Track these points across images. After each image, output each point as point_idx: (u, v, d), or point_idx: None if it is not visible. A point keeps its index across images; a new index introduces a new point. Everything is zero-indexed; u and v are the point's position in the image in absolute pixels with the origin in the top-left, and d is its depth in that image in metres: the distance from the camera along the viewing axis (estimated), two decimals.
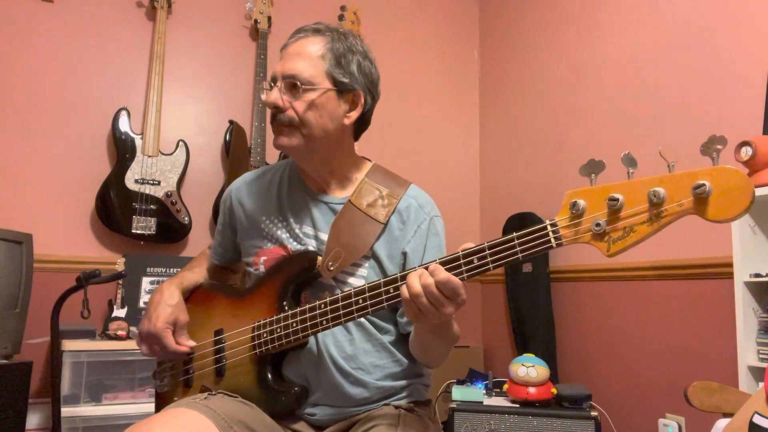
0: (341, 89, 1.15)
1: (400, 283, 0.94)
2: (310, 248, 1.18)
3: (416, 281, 0.90)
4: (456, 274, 0.89)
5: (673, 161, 0.78)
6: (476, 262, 0.89)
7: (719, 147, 0.76)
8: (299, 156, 1.19)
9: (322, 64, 1.13)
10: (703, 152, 0.78)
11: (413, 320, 0.96)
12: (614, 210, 0.80)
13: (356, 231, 1.14)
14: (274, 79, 1.14)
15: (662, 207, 0.77)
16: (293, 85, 1.12)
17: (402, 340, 1.18)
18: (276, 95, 1.13)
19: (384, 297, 0.97)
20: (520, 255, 0.87)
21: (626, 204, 0.79)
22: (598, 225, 0.81)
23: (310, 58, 1.13)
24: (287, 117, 1.13)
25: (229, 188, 1.34)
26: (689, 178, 0.75)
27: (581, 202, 0.82)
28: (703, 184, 0.74)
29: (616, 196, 0.79)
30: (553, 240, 0.85)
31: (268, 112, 3.09)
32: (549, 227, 0.85)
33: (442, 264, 0.91)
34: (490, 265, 0.89)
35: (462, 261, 0.90)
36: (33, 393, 2.20)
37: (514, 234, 0.87)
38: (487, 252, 0.89)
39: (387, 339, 1.17)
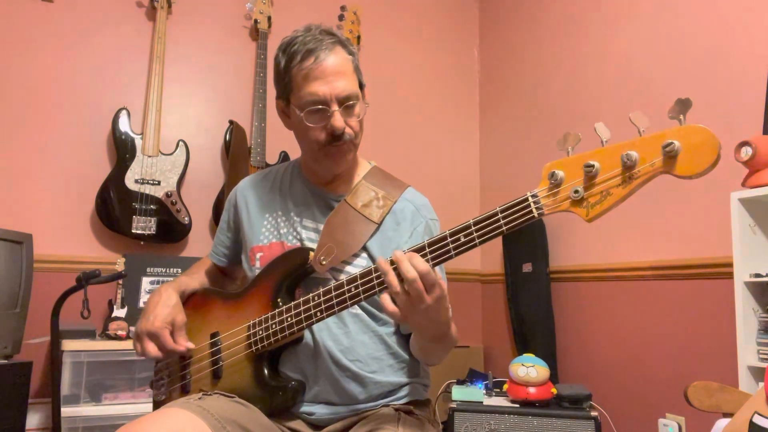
0: (362, 90, 1.18)
1: (392, 266, 0.95)
2: (309, 241, 1.19)
3: (395, 280, 0.91)
4: (444, 252, 0.92)
5: (644, 128, 0.81)
6: (463, 239, 0.91)
7: (685, 110, 0.79)
8: (345, 167, 1.21)
9: (354, 74, 1.16)
10: (671, 116, 0.80)
11: (402, 320, 0.97)
12: (590, 176, 0.83)
13: (350, 229, 1.16)
14: (324, 102, 1.11)
15: (635, 168, 0.80)
16: (348, 105, 1.13)
17: (399, 332, 1.18)
18: (342, 120, 1.12)
19: (376, 282, 0.98)
20: (504, 228, 0.89)
21: (602, 169, 0.83)
22: (576, 192, 0.84)
23: (349, 73, 1.14)
24: (349, 136, 1.14)
25: (235, 187, 1.36)
26: (659, 138, 0.79)
27: (559, 172, 0.86)
28: (672, 143, 0.77)
29: (592, 162, 0.83)
30: (534, 210, 0.87)
31: (269, 112, 3.09)
32: (530, 198, 0.87)
33: (431, 244, 0.93)
34: (476, 240, 0.91)
35: (449, 239, 0.92)
36: (33, 393, 2.21)
37: (498, 208, 0.90)
38: (473, 228, 0.91)
39: (384, 330, 1.17)
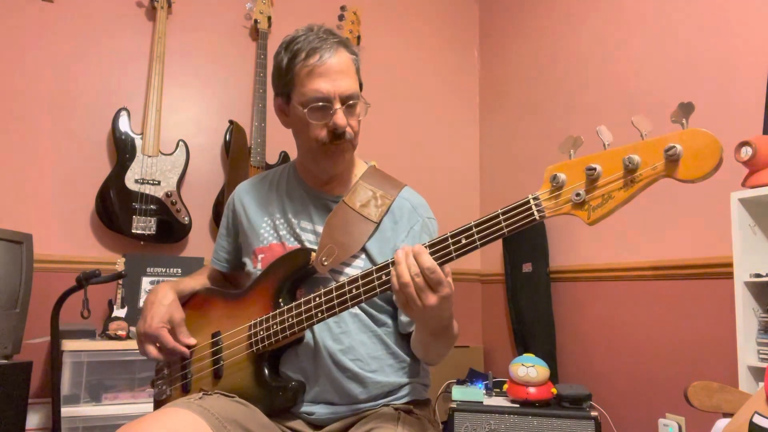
0: (360, 91, 1.18)
1: (391, 269, 0.95)
2: (308, 243, 1.19)
3: (405, 271, 0.91)
4: (445, 254, 0.92)
5: (646, 131, 0.81)
6: (464, 241, 0.92)
7: (688, 114, 0.79)
8: (342, 167, 1.21)
9: (356, 75, 1.16)
10: (674, 120, 0.80)
11: (403, 310, 0.97)
12: (592, 179, 0.84)
13: (350, 229, 1.16)
14: (327, 100, 1.11)
15: (637, 172, 0.80)
16: (350, 104, 1.13)
17: (399, 333, 1.19)
18: (344, 118, 1.12)
19: (377, 283, 0.98)
20: (505, 230, 0.89)
21: (603, 173, 0.83)
22: (578, 195, 0.84)
23: (352, 73, 1.15)
24: (349, 135, 1.15)
25: (233, 192, 1.36)
26: (661, 142, 0.79)
27: (561, 175, 0.86)
28: (674, 146, 0.77)
29: (594, 165, 0.83)
30: (536, 212, 0.87)
31: (269, 112, 3.09)
32: (531, 201, 0.88)
33: (432, 246, 0.93)
34: (477, 243, 0.91)
35: (450, 241, 0.93)
36: (33, 393, 2.20)
37: (499, 210, 0.90)
38: (474, 230, 0.91)
39: (383, 331, 1.17)
